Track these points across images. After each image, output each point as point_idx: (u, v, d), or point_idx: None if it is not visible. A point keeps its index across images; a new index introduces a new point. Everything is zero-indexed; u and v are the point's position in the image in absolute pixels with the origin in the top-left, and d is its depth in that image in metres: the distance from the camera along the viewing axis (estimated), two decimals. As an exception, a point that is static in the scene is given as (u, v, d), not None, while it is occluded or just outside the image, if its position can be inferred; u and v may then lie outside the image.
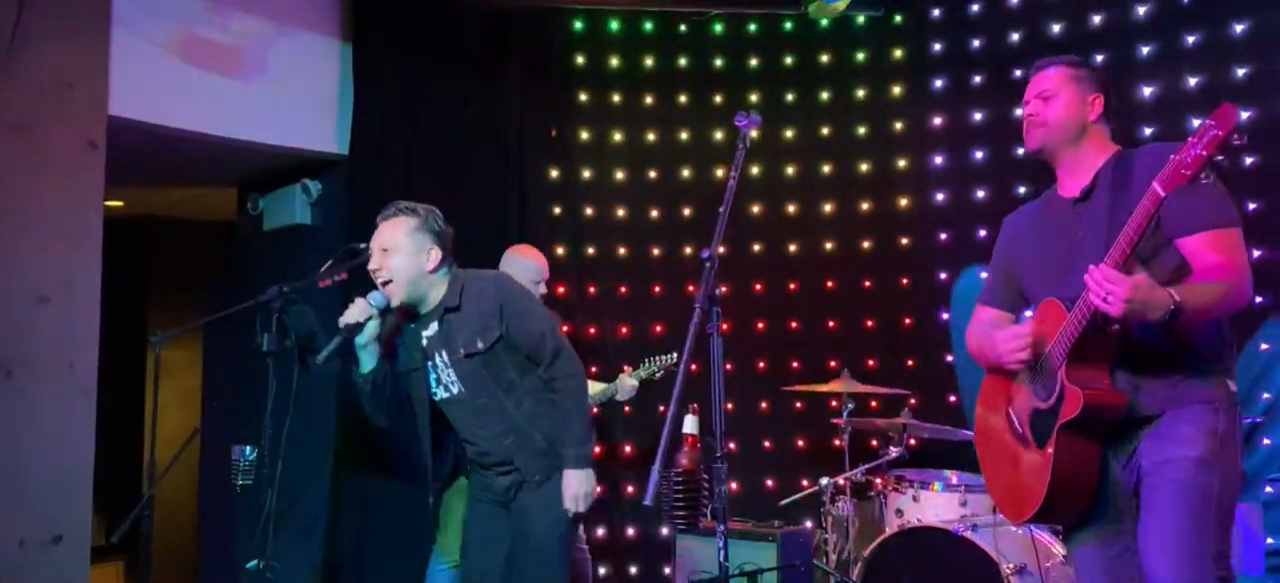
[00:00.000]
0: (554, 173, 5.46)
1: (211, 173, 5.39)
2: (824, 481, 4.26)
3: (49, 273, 3.85)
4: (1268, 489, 4.02)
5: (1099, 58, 4.90)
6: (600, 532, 5.26)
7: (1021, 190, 5.03)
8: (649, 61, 5.59)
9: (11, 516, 3.71)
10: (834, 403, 4.71)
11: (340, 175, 4.97)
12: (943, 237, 5.25)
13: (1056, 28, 5.06)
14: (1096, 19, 4.95)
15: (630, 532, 5.36)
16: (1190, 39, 4.62)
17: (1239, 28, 4.51)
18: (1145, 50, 4.72)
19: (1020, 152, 4.99)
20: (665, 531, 5.17)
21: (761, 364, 5.43)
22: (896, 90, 5.43)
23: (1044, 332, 2.34)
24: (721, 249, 5.77)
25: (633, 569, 5.28)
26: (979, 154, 5.20)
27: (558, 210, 5.46)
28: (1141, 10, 4.76)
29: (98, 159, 3.97)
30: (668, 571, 5.11)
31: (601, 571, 5.14)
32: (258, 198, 5.39)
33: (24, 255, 3.79)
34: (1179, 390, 2.27)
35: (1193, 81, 4.56)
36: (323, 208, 5.12)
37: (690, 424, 2.12)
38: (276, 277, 3.62)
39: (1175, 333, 2.20)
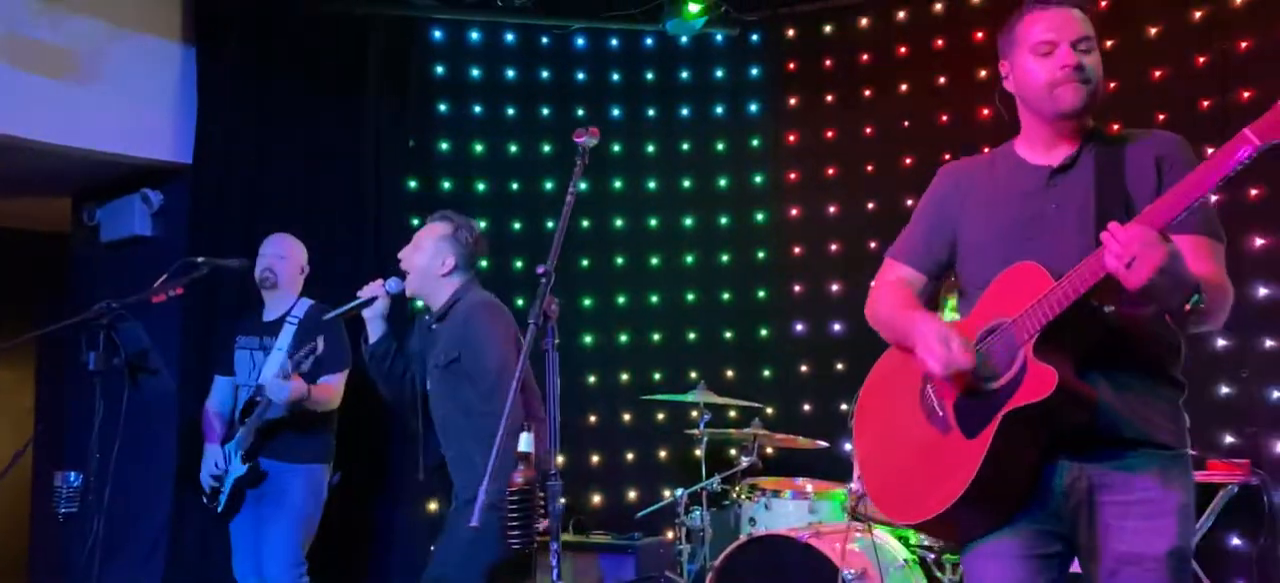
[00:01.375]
0: (413, 184, 5.37)
1: (41, 181, 5.08)
2: (679, 491, 4.32)
3: None
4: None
5: (941, 80, 5.15)
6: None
7: (871, 206, 5.24)
8: (511, 73, 5.56)
9: None
10: (695, 413, 4.77)
11: (184, 185, 4.76)
12: (796, 250, 5.41)
13: (903, 50, 5.28)
14: (940, 43, 5.20)
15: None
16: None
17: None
18: (982, 74, 4.97)
19: (869, 168, 5.31)
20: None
21: (624, 376, 5.46)
22: (753, 107, 5.57)
23: (1003, 301, 1.97)
24: (584, 262, 5.77)
25: (494, 585, 5.22)
26: (831, 170, 5.38)
27: (416, 222, 5.34)
28: (980, 34, 5.01)
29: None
30: (529, 586, 5.08)
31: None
32: (94, 208, 5.11)
33: None
34: (1148, 418, 1.93)
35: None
36: (165, 219, 4.90)
37: (525, 442, 2.10)
38: (114, 291, 3.44)
39: (1159, 339, 1.94)
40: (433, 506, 4.98)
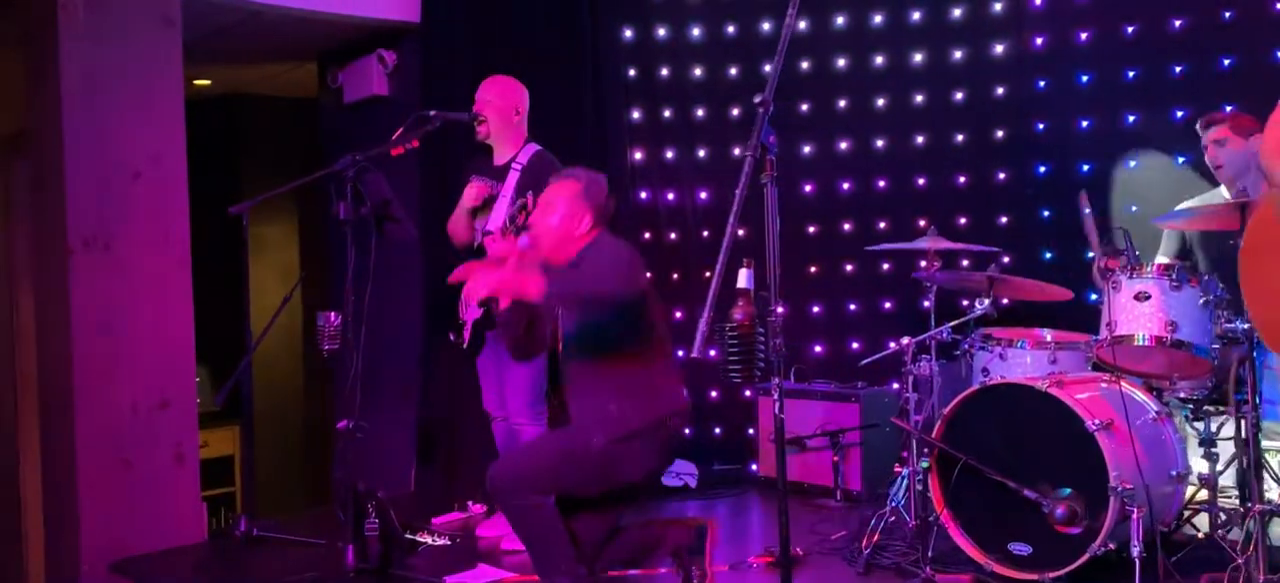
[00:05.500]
0: (628, 33, 5.32)
1: (290, 47, 5.45)
2: (907, 340, 4.15)
3: (139, 148, 3.98)
4: None
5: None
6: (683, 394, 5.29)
7: (1129, 29, 4.68)
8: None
9: (122, 383, 3.94)
10: (921, 263, 4.53)
11: (414, 44, 4.95)
12: (1041, 85, 4.93)
13: None
14: None
15: (713, 394, 5.39)
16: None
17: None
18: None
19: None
20: (748, 392, 5.17)
21: (847, 225, 5.28)
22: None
23: None
24: (804, 107, 5.56)
25: (717, 430, 5.33)
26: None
27: (633, 72, 5.34)
28: None
29: (174, 35, 4.03)
30: (751, 431, 5.14)
31: (685, 431, 5.19)
32: (337, 72, 5.43)
33: (113, 131, 3.91)
34: None
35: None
36: (400, 78, 5.13)
37: (744, 279, 2.05)
38: (360, 148, 3.62)
39: None
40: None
